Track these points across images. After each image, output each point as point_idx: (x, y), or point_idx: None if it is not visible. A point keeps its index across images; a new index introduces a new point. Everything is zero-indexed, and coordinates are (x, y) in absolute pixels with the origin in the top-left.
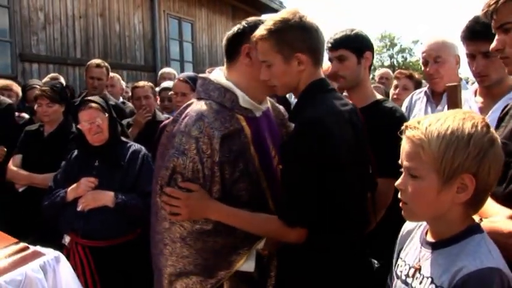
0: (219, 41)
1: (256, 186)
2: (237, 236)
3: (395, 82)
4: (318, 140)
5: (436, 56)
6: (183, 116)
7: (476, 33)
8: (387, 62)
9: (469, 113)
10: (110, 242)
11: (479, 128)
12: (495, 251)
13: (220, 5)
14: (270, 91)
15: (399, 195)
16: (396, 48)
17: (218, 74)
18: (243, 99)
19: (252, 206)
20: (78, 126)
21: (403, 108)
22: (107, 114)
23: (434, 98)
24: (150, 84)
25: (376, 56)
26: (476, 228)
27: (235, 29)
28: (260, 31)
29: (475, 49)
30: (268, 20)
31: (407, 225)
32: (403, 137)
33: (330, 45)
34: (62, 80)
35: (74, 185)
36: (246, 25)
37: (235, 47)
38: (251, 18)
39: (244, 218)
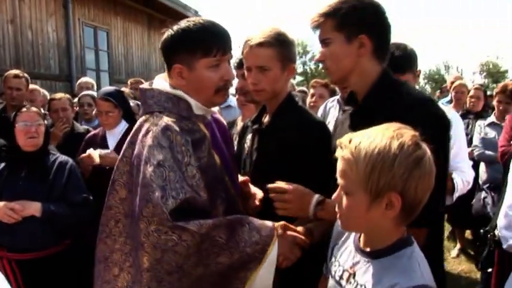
0: (135, 49)
1: (228, 194)
2: (240, 252)
3: (312, 91)
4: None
5: None
6: (143, 133)
7: (392, 67)
8: (300, 69)
9: (399, 129)
10: (38, 254)
11: (405, 147)
12: (423, 264)
13: (136, 13)
14: (212, 104)
15: (336, 208)
16: (308, 56)
17: (163, 84)
18: (196, 107)
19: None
20: (16, 125)
21: (318, 115)
22: (45, 122)
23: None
24: (68, 96)
25: None
26: (407, 241)
27: (163, 39)
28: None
29: None
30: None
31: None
32: (337, 154)
33: None
34: None
35: None
36: (171, 37)
37: (167, 61)
38: (179, 25)
39: None
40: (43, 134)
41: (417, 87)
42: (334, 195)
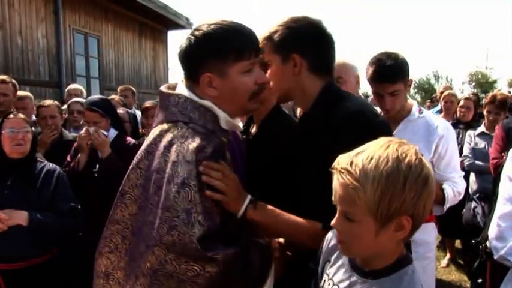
0: (125, 56)
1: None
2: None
3: None
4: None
5: (337, 76)
6: (164, 144)
7: (383, 77)
8: None
9: (401, 146)
10: (24, 264)
11: (413, 168)
12: (424, 283)
13: (127, 20)
14: (245, 112)
15: (336, 234)
16: None
17: (186, 90)
18: (224, 120)
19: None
20: (3, 132)
21: None
22: (33, 129)
23: None
24: (56, 103)
25: None
26: (406, 259)
27: (183, 48)
28: None
29: (382, 90)
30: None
31: (332, 237)
32: (334, 178)
33: None
34: None
35: None
36: (195, 44)
37: (192, 71)
38: (199, 29)
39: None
40: (30, 141)
41: (408, 96)
42: (333, 221)
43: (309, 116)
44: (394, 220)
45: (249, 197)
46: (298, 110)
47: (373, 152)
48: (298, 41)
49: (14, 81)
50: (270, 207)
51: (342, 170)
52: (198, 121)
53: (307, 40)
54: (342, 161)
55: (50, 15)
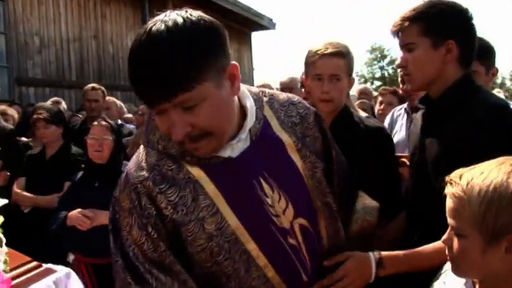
0: None
1: (237, 254)
2: None
3: (380, 98)
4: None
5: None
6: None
7: None
8: (378, 74)
9: None
10: (111, 259)
11: None
12: None
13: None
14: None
15: (446, 251)
16: (386, 60)
17: None
18: None
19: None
20: (87, 138)
21: (385, 124)
22: (113, 137)
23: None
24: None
25: (368, 68)
26: None
27: None
28: None
29: None
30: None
31: (452, 280)
32: (446, 190)
33: None
34: (64, 105)
35: (73, 212)
36: None
37: None
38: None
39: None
40: (110, 148)
41: None
42: (443, 237)
43: (442, 100)
44: (503, 239)
45: (372, 260)
46: (376, 109)
47: (485, 168)
48: (454, 27)
49: (102, 88)
50: (397, 253)
51: (452, 182)
52: (159, 142)
53: (462, 27)
54: (455, 173)
55: (138, 23)
